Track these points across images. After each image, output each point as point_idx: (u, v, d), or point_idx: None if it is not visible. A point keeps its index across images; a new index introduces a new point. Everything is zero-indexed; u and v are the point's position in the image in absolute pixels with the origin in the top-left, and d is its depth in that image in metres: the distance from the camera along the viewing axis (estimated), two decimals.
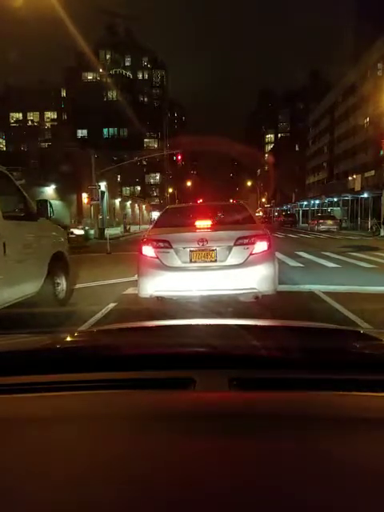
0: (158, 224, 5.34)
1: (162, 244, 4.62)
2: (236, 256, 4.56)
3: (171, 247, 4.59)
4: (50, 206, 4.93)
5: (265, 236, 4.73)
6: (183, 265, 4.58)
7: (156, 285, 4.58)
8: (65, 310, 5.09)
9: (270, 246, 4.68)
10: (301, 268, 9.21)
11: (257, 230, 4.81)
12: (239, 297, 4.72)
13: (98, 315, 4.86)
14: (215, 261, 4.59)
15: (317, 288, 6.36)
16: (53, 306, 4.89)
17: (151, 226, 5.47)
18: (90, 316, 4.78)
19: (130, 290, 6.51)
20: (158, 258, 4.61)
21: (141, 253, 4.75)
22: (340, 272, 8.54)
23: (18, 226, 4.40)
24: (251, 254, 4.56)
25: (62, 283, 5.38)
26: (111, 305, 5.40)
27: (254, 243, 4.59)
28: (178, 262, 4.58)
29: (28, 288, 4.52)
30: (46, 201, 5.00)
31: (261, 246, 4.62)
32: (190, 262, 4.59)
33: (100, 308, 5.17)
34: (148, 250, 4.68)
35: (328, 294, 5.93)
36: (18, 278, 4.25)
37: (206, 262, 4.60)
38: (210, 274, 4.56)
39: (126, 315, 4.91)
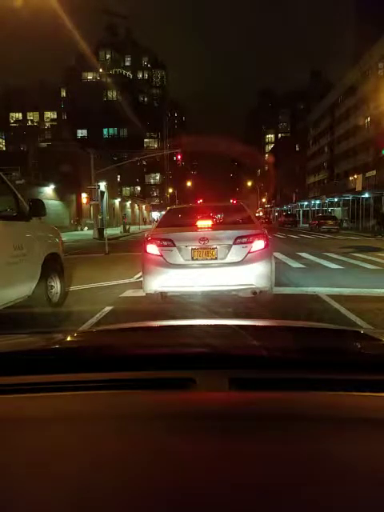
0: (161, 224, 5.60)
1: (165, 242, 4.86)
2: (235, 254, 4.78)
3: (174, 245, 4.81)
4: (43, 205, 4.72)
5: (262, 235, 4.93)
6: (185, 262, 4.81)
7: (160, 281, 4.80)
8: (58, 314, 4.88)
9: (267, 245, 4.90)
10: (303, 269, 9.00)
11: (255, 230, 5.01)
12: (238, 292, 4.97)
13: (93, 319, 4.65)
14: (215, 258, 4.81)
15: (320, 290, 6.16)
16: (46, 309, 4.68)
17: (154, 226, 5.81)
18: (84, 320, 4.57)
19: (128, 293, 6.32)
20: (161, 255, 4.83)
21: (145, 251, 4.96)
22: (343, 273, 8.33)
23: (7, 226, 4.19)
24: (249, 252, 4.78)
25: (56, 286, 5.17)
26: (107, 308, 5.19)
27: (252, 242, 4.82)
28: (180, 260, 4.81)
29: (19, 291, 4.31)
30: (38, 200, 4.78)
31: (258, 245, 4.84)
32: (192, 259, 4.82)
33: (95, 312, 4.96)
34: (152, 249, 4.90)
35: (333, 296, 5.73)
36: (8, 281, 4.04)
37: (206, 259, 4.82)
38: (210, 270, 4.77)
39: (122, 320, 4.70)
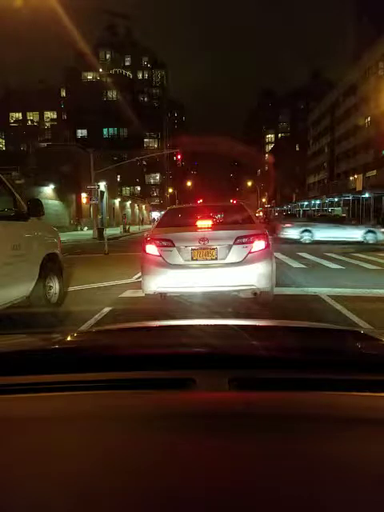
0: (160, 224, 5.56)
1: (164, 243, 4.82)
2: (235, 254, 4.74)
3: (174, 246, 4.78)
4: (41, 205, 4.68)
5: (263, 235, 4.90)
6: (185, 262, 4.77)
7: (159, 282, 4.77)
8: (57, 315, 4.84)
9: (267, 245, 4.86)
10: (304, 269, 8.97)
11: (255, 230, 4.96)
12: (238, 293, 4.94)
13: (92, 320, 4.62)
14: (216, 259, 4.78)
15: (321, 291, 6.13)
16: (44, 309, 4.64)
17: (154, 226, 5.75)
18: (84, 321, 4.53)
19: (128, 293, 6.28)
20: (161, 256, 4.80)
21: (145, 251, 4.92)
22: (344, 274, 8.30)
23: (5, 226, 4.16)
24: (250, 253, 4.74)
25: (55, 286, 5.14)
26: (106, 309, 5.15)
27: (252, 242, 4.78)
28: (180, 260, 4.77)
29: (17, 291, 4.29)
30: (37, 200, 4.76)
31: (259, 245, 4.80)
32: (192, 259, 4.79)
33: (94, 312, 4.93)
34: (152, 249, 4.87)
35: (333, 297, 5.70)
36: (6, 281, 4.01)
37: (206, 259, 4.79)
38: (210, 271, 4.73)
39: (122, 320, 4.67)
